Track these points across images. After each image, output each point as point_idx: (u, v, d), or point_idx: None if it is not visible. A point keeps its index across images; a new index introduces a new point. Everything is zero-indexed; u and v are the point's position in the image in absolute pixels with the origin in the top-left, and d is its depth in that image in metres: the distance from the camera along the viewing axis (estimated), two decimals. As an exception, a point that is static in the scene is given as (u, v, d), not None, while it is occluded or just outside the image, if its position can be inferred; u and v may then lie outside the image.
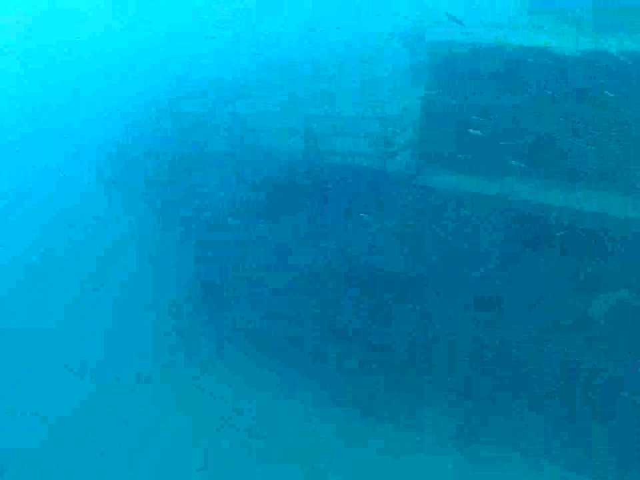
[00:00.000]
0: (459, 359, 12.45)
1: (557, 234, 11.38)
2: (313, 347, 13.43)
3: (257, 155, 12.74)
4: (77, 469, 12.31)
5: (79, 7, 26.31)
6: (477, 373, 12.35)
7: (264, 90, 14.33)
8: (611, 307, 11.40)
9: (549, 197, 11.38)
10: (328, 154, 12.36)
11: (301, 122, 12.39)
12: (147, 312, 15.39)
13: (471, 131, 11.61)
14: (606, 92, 11.16)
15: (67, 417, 13.39)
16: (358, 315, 12.92)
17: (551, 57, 11.32)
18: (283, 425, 12.74)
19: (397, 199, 12.02)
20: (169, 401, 13.40)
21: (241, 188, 12.90)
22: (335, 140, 12.39)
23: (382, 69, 14.55)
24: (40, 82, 23.44)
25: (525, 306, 11.76)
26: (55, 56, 24.32)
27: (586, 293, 11.48)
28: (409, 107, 12.64)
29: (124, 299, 15.91)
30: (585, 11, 12.52)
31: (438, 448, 12.20)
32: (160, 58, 18.15)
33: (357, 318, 12.94)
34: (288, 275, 13.20)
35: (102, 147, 14.55)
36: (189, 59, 16.42)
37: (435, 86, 12.24)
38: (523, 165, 11.73)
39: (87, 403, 13.64)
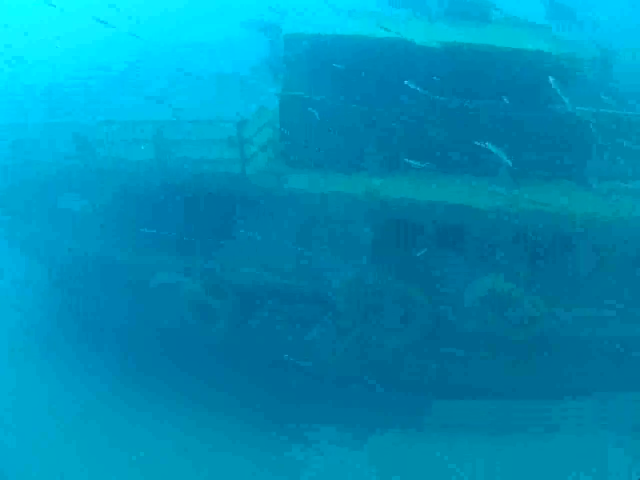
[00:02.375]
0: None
1: (426, 229, 11.17)
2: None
3: (104, 166, 11.55)
4: None
5: None
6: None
7: (106, 97, 13.05)
8: (482, 294, 11.40)
9: (416, 193, 11.04)
10: (181, 161, 11.33)
11: (149, 128, 11.31)
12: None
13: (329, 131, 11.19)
14: (461, 85, 11.04)
15: None
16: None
17: (411, 50, 11.00)
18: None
19: (258, 203, 11.29)
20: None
21: (89, 201, 11.77)
22: (188, 146, 11.35)
23: (238, 65, 13.66)
24: None
25: (398, 304, 11.51)
26: None
27: (458, 283, 11.44)
28: (266, 106, 11.91)
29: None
30: (444, 4, 12.32)
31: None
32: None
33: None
34: (147, 291, 12.18)
35: None
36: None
37: (292, 82, 11.60)
38: (388, 162, 11.37)
39: None
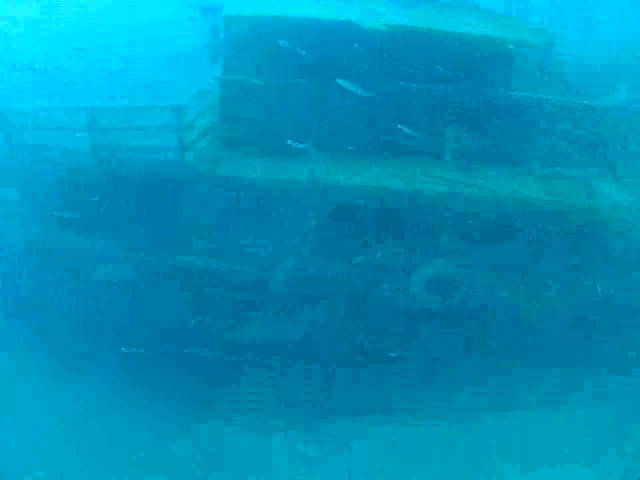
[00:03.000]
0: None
1: (370, 215, 11.05)
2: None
3: (35, 155, 11.04)
4: None
5: None
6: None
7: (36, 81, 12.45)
8: (429, 279, 11.36)
9: (360, 179, 10.87)
10: (118, 149, 10.86)
11: (83, 115, 10.80)
12: None
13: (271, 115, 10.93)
14: (406, 68, 10.89)
15: None
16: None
17: (359, 33, 10.78)
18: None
19: (199, 192, 10.94)
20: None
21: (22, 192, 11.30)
22: (124, 133, 10.91)
23: (176, 48, 13.20)
24: None
25: (341, 293, 11.37)
26: None
27: (404, 271, 11.37)
28: (206, 90, 11.56)
29: None
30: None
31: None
32: None
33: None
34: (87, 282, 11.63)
35: None
36: None
37: (232, 64, 11.26)
38: (332, 148, 11.16)
39: None
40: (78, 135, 10.94)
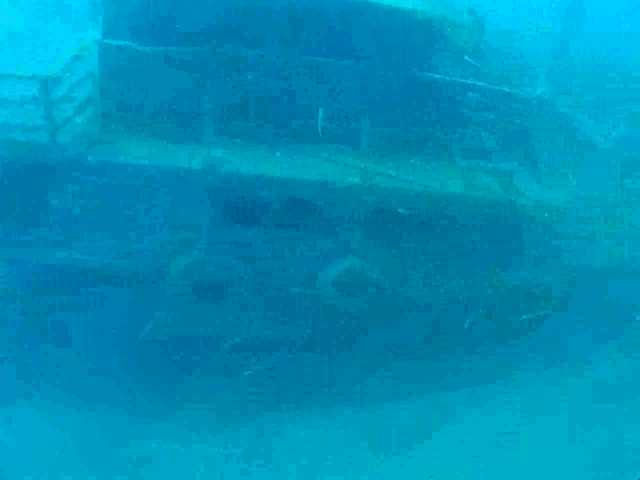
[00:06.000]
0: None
1: (275, 207, 9.92)
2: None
3: None
4: None
5: None
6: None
7: None
8: (338, 275, 10.49)
9: (264, 167, 9.62)
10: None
11: None
12: None
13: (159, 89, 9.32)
14: (319, 41, 9.58)
15: None
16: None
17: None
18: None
19: (74, 178, 9.41)
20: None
21: None
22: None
23: (49, 6, 11.11)
24: None
25: (252, 288, 10.36)
26: None
27: (314, 265, 10.43)
28: (82, 56, 9.77)
29: None
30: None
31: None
32: None
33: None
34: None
35: None
36: None
37: (113, 26, 9.48)
38: (233, 131, 9.75)
39: None
40: None
